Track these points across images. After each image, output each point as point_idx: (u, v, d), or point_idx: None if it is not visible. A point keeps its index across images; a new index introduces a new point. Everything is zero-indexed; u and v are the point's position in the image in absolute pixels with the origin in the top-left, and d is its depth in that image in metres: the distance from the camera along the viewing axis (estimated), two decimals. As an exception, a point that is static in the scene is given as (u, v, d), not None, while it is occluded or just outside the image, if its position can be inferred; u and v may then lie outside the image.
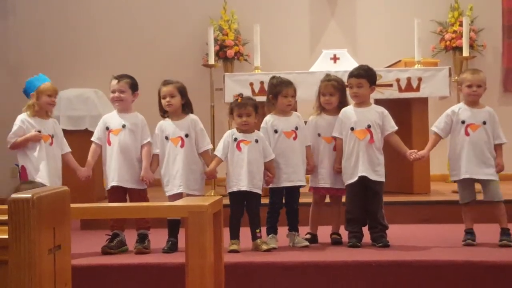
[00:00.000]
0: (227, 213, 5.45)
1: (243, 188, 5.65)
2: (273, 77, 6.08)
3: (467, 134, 5.77)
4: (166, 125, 5.87)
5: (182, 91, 5.87)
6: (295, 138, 5.85)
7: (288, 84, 5.89)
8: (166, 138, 5.83)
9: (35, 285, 2.40)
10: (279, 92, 5.88)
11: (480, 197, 5.91)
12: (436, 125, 5.93)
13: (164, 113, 5.92)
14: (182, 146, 5.79)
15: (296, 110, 6.25)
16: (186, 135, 5.80)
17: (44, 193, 2.53)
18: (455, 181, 5.95)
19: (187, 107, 5.91)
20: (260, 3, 10.06)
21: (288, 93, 5.86)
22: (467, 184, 5.81)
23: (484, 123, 5.77)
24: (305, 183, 5.92)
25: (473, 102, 5.85)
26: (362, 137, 5.77)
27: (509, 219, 5.82)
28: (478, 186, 5.87)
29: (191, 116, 5.91)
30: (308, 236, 5.96)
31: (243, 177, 5.65)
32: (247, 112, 5.71)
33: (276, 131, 5.85)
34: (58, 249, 2.62)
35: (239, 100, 5.77)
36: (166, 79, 5.96)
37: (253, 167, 5.68)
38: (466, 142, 5.76)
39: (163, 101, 5.84)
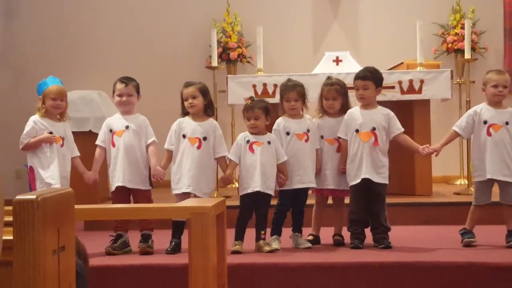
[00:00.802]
0: (232, 214, 5.44)
1: (257, 189, 5.66)
2: (287, 79, 6.10)
3: (489, 134, 5.73)
4: (186, 123, 5.86)
5: (204, 91, 5.87)
6: (307, 140, 5.87)
7: (291, 88, 5.89)
8: (184, 136, 5.82)
9: (39, 286, 2.41)
10: (283, 96, 5.91)
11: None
12: (457, 125, 5.89)
13: (185, 115, 5.91)
14: (198, 147, 5.78)
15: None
16: (205, 138, 5.80)
17: (49, 194, 2.54)
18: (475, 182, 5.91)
19: (209, 108, 5.92)
20: (263, 5, 10.07)
21: (290, 97, 5.87)
22: (487, 186, 5.76)
23: (507, 123, 5.73)
24: (315, 185, 5.94)
25: (497, 102, 5.81)
26: (367, 139, 5.78)
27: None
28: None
29: (212, 120, 5.92)
30: (310, 237, 5.98)
31: (257, 178, 5.66)
32: (255, 115, 5.73)
33: (288, 133, 5.86)
34: (62, 250, 2.63)
35: (248, 103, 5.80)
36: (188, 81, 5.96)
37: (266, 168, 5.70)
38: (488, 142, 5.72)
39: (185, 103, 5.83)
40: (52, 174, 5.63)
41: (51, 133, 5.72)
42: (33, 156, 5.74)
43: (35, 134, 5.72)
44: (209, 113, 5.92)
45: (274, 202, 5.90)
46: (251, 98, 5.90)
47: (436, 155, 6.04)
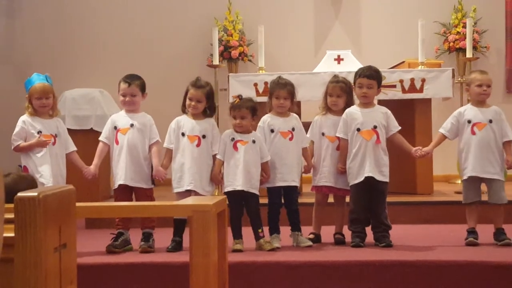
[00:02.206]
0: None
1: (239, 188, 5.66)
2: (278, 77, 6.10)
3: (473, 133, 5.79)
4: (185, 121, 5.85)
5: (210, 96, 5.86)
6: (291, 139, 5.86)
7: (282, 86, 5.90)
8: (183, 134, 5.83)
9: (41, 283, 2.42)
10: (272, 94, 5.92)
11: (483, 198, 5.93)
12: (443, 127, 5.96)
13: (185, 110, 5.91)
14: (198, 145, 5.79)
15: (299, 110, 6.24)
16: (204, 136, 5.81)
17: (50, 191, 2.55)
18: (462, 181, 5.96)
19: (209, 109, 5.91)
20: (264, 3, 10.07)
21: (280, 95, 5.87)
22: (472, 184, 5.81)
23: (491, 121, 5.79)
24: (298, 184, 5.95)
25: (481, 102, 5.88)
26: (369, 137, 5.79)
27: (509, 220, 5.85)
28: (483, 187, 5.91)
29: (210, 119, 5.91)
30: (311, 236, 5.98)
31: (239, 177, 5.66)
32: (241, 114, 5.73)
33: (272, 131, 5.87)
34: (63, 247, 2.64)
35: (236, 102, 5.80)
36: (198, 81, 5.88)
37: (250, 167, 5.69)
38: (472, 141, 5.78)
39: (188, 102, 5.83)
40: (43, 174, 5.61)
41: (40, 132, 5.70)
42: (26, 157, 5.74)
43: (25, 134, 5.71)
44: (208, 114, 5.92)
45: (265, 200, 5.89)
46: (239, 96, 5.88)
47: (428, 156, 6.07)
